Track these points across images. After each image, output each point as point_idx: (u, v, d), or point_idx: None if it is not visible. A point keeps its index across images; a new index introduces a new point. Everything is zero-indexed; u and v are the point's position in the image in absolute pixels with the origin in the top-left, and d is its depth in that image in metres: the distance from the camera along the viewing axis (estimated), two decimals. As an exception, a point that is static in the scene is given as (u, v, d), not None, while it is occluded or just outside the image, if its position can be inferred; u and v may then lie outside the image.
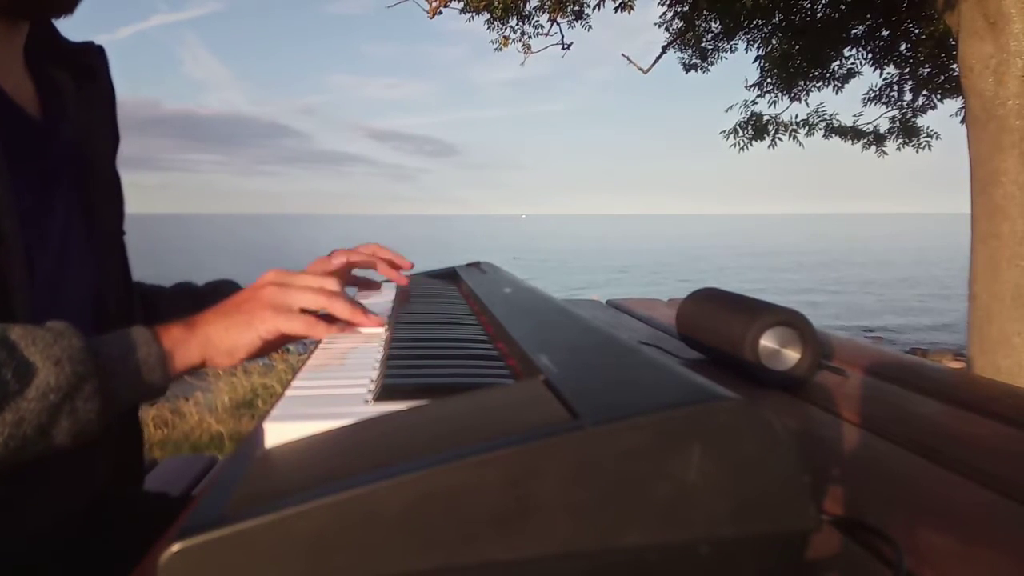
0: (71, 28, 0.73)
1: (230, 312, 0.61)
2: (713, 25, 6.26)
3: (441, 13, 4.92)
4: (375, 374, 0.49)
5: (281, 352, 4.72)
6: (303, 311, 0.62)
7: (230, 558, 0.27)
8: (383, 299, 0.85)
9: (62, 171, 0.69)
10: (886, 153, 6.84)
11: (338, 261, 0.85)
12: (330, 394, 0.45)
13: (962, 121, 3.41)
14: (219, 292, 0.85)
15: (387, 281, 0.92)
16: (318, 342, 0.62)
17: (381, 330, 0.64)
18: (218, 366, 0.61)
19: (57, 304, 0.65)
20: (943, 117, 6.52)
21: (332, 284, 0.64)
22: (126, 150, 0.80)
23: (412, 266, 0.95)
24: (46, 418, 0.48)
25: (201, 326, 0.60)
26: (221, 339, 0.60)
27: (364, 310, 0.65)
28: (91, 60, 0.77)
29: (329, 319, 0.64)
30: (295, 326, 0.61)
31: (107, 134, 0.79)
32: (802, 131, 6.62)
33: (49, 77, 0.71)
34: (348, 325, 0.64)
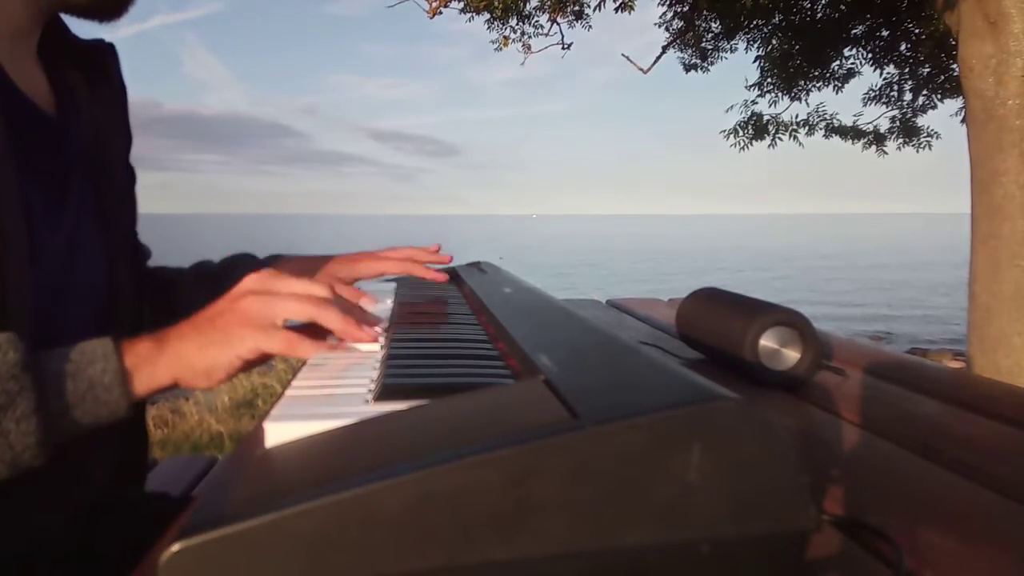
0: (75, 26, 0.71)
1: (204, 329, 0.55)
2: (713, 25, 6.26)
3: (441, 13, 4.92)
4: (375, 374, 0.49)
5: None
6: (287, 324, 0.56)
7: (230, 558, 0.27)
8: (382, 303, 0.85)
9: (74, 170, 0.68)
10: (886, 153, 6.85)
11: (368, 269, 0.86)
12: (330, 394, 0.45)
13: (962, 121, 3.41)
14: (236, 270, 0.83)
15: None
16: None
17: (376, 347, 0.58)
18: (195, 387, 0.56)
19: (63, 304, 0.64)
20: (943, 117, 6.53)
21: (321, 290, 0.58)
22: (126, 151, 0.74)
23: (451, 259, 0.96)
24: None
25: (173, 343, 0.55)
26: (196, 359, 0.54)
27: (357, 322, 0.58)
28: (103, 59, 0.76)
29: (319, 331, 0.58)
30: (275, 344, 0.54)
31: (119, 134, 0.78)
32: (802, 131, 6.63)
33: (62, 75, 0.70)
34: (340, 340, 0.59)
